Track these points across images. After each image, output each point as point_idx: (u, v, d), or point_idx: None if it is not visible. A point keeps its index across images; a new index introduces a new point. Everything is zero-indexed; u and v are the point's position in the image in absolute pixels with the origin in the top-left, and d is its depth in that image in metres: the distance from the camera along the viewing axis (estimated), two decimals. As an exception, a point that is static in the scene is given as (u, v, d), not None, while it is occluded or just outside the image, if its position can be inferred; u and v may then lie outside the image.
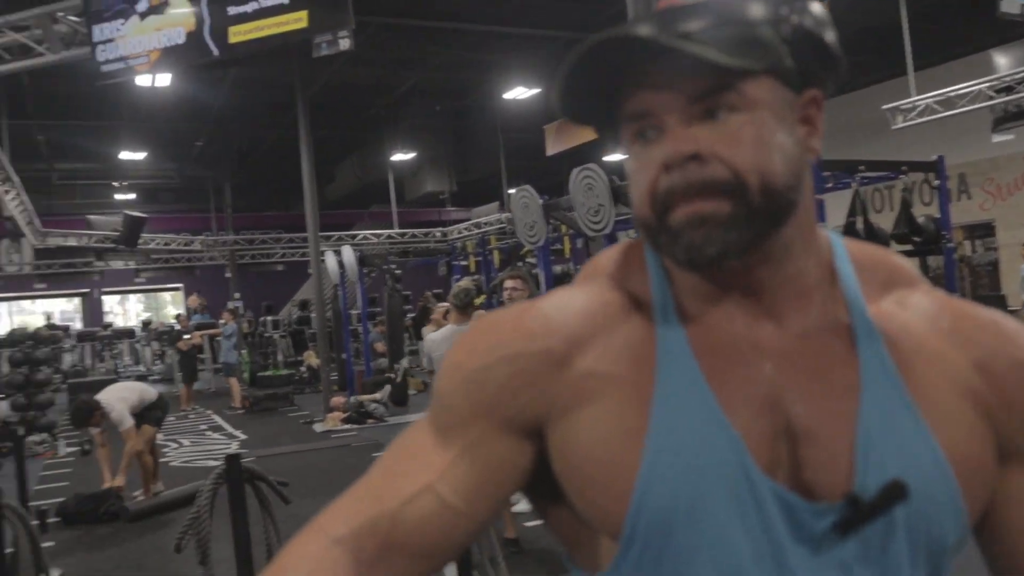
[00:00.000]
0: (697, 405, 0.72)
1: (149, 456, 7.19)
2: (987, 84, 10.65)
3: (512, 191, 9.70)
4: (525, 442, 0.77)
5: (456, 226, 19.21)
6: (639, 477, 0.71)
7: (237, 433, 11.16)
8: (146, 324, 22.34)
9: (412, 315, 16.82)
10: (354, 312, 15.13)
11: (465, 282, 5.56)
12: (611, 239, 7.05)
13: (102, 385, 7.83)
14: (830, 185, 7.67)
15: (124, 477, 6.98)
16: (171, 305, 26.72)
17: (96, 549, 6.02)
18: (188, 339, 14.50)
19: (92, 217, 19.47)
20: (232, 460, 3.39)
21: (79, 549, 6.02)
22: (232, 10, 7.94)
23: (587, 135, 14.86)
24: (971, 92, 10.66)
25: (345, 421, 11.01)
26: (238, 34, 7.96)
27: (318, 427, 11.08)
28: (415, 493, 0.77)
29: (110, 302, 26.12)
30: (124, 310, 26.92)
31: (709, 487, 0.70)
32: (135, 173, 22.03)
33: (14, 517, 3.87)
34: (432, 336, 5.43)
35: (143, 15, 8.20)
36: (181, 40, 8.15)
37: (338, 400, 11.69)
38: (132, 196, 23.50)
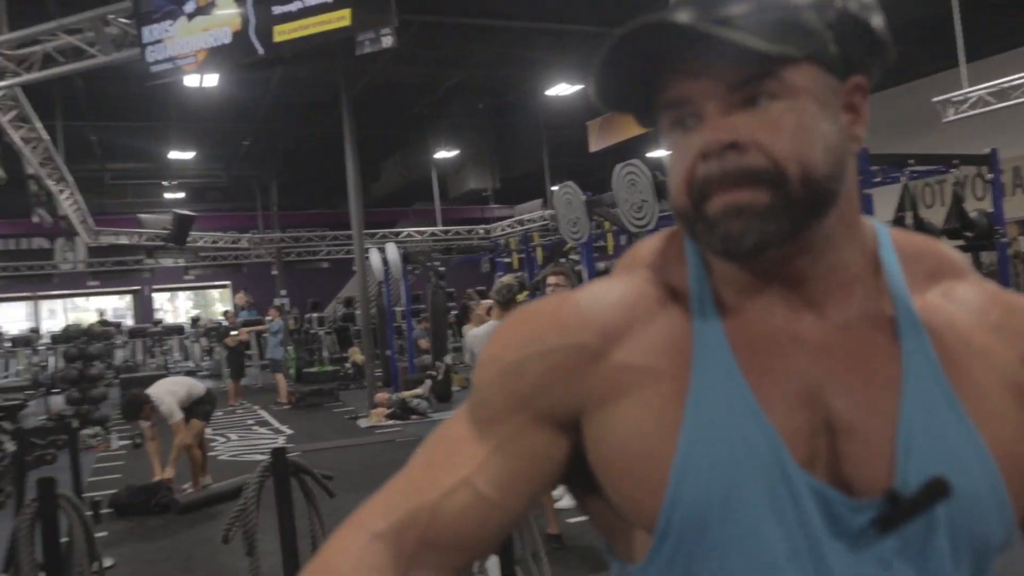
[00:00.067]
0: (732, 398, 0.71)
1: (198, 450, 7.32)
2: (1043, 75, 10.36)
3: (555, 188, 9.69)
4: (561, 435, 0.77)
5: (499, 223, 19.24)
6: (673, 470, 0.71)
7: (283, 428, 11.30)
8: (195, 321, 22.75)
9: (455, 312, 16.89)
10: (398, 309, 15.26)
11: (508, 278, 5.56)
12: (654, 235, 6.99)
13: (152, 380, 7.99)
14: (878, 179, 7.51)
15: (173, 470, 7.12)
16: (219, 302, 27.16)
17: (147, 540, 6.16)
18: (235, 335, 14.70)
19: (143, 216, 19.92)
20: (278, 454, 3.44)
21: (131, 539, 6.16)
22: (277, 9, 8.04)
23: (631, 131, 14.78)
24: (1026, 83, 10.38)
25: (389, 417, 11.10)
26: (282, 33, 8.06)
27: (362, 423, 11.18)
28: (453, 486, 0.77)
29: (160, 299, 26.64)
30: (174, 307, 27.43)
31: (743, 481, 0.69)
32: (184, 172, 22.42)
33: (69, 507, 3.97)
34: (475, 332, 5.46)
35: (191, 16, 8.34)
36: (227, 40, 8.28)
37: (382, 396, 11.78)
38: (181, 195, 23.92)
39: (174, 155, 19.53)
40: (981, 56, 12.72)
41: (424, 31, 11.85)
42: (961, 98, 10.79)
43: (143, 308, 25.40)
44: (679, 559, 0.72)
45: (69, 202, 14.33)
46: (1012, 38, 13.56)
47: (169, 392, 7.06)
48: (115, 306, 26.12)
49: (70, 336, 11.36)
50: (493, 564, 3.51)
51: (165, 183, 23.38)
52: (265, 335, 15.41)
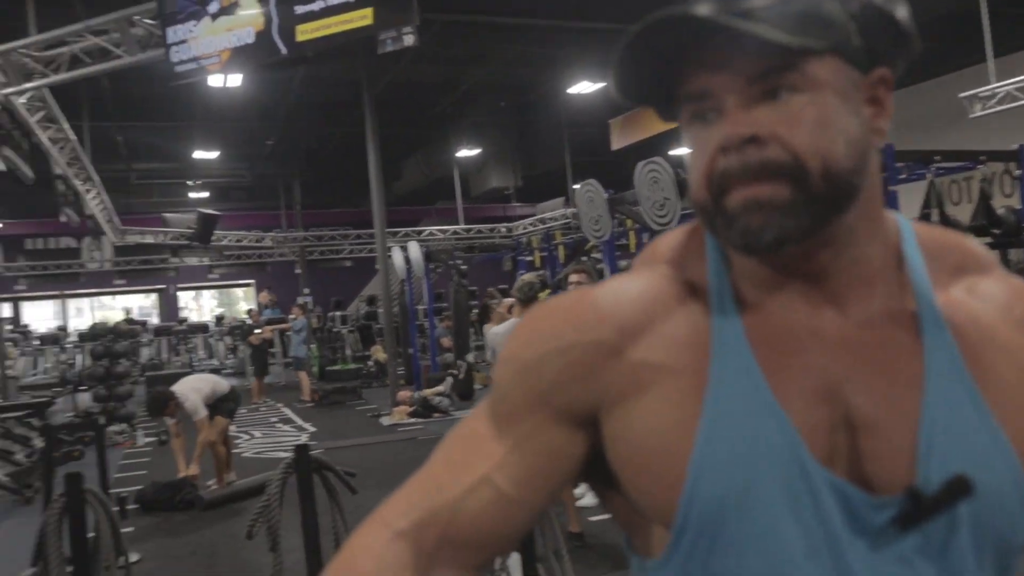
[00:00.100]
0: (750, 395, 0.71)
1: (222, 447, 7.38)
2: (1072, 69, 10.21)
3: (577, 186, 9.67)
4: (579, 432, 0.77)
5: (521, 221, 19.25)
6: (690, 467, 0.70)
7: (306, 426, 11.37)
8: (219, 319, 22.94)
9: (477, 310, 16.91)
10: (420, 307, 15.28)
11: (529, 276, 5.57)
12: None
13: (177, 378, 8.07)
14: (904, 176, 7.44)
15: (197, 466, 7.18)
16: (243, 301, 27.36)
17: (173, 535, 6.22)
18: (259, 334, 14.80)
19: (168, 215, 20.13)
20: (301, 450, 3.46)
21: (157, 535, 6.23)
22: (299, 9, 8.09)
23: (653, 128, 14.71)
24: (1055, 78, 10.23)
25: (411, 415, 11.14)
26: (305, 32, 8.10)
27: (385, 420, 11.23)
28: (473, 483, 0.77)
29: (185, 298, 26.88)
30: (198, 305, 27.67)
31: (761, 477, 0.69)
32: (208, 172, 22.61)
33: (96, 502, 4.01)
34: (496, 330, 5.46)
35: (214, 16, 8.41)
36: (251, 40, 8.33)
37: (404, 394, 11.82)
38: (205, 194, 24.12)
39: (198, 155, 19.70)
40: (1009, 51, 12.53)
41: (446, 29, 11.86)
42: (989, 93, 10.66)
43: (168, 306, 25.64)
44: (696, 555, 0.72)
45: (96, 202, 14.49)
46: (1041, 33, 13.36)
47: (194, 389, 7.12)
48: (141, 304, 26.40)
49: (97, 334, 11.48)
50: (515, 562, 3.51)
51: (190, 183, 23.60)
52: (288, 333, 15.50)
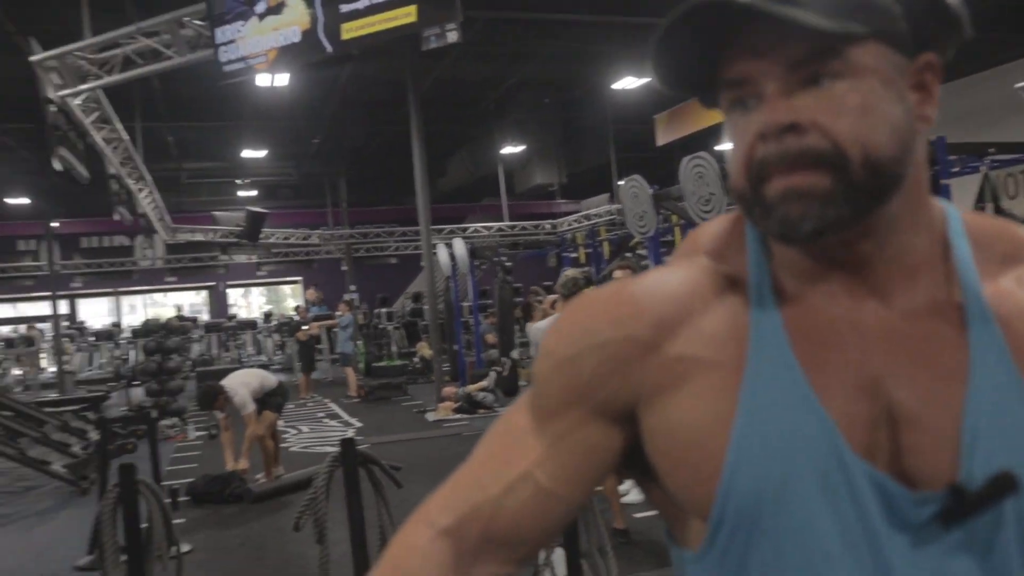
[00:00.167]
0: (788, 389, 0.70)
1: (271, 441, 7.49)
2: None
3: (622, 182, 9.62)
4: (617, 426, 0.77)
5: (566, 218, 19.18)
6: (727, 461, 0.70)
7: (353, 421, 11.48)
8: (267, 316, 23.30)
9: (521, 307, 16.93)
10: (465, 304, 15.36)
11: (572, 272, 5.55)
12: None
13: (227, 373, 8.20)
14: (957, 169, 7.28)
15: (246, 460, 7.30)
16: (291, 298, 27.74)
17: (222, 527, 6.33)
18: (307, 330, 14.96)
19: (217, 213, 20.45)
20: (347, 444, 3.50)
21: (207, 526, 6.34)
22: (344, 7, 8.16)
23: (698, 124, 14.57)
24: (1117, 67, 9.92)
25: (456, 411, 11.19)
26: (350, 30, 8.18)
27: (430, 416, 11.30)
28: (514, 479, 0.78)
29: (234, 295, 27.34)
30: (247, 302, 28.13)
31: (797, 471, 0.68)
32: (256, 171, 22.96)
33: (149, 494, 4.10)
34: (538, 325, 5.47)
35: (261, 16, 8.52)
36: (297, 39, 8.44)
37: (450, 390, 11.88)
38: (254, 193, 24.49)
39: (247, 154, 20.00)
40: (1068, 40, 12.19)
41: (489, 26, 11.88)
42: (1046, 84, 10.36)
43: (218, 303, 26.10)
44: (734, 548, 0.71)
45: (148, 200, 14.79)
46: (1102, 20, 12.95)
47: (243, 384, 7.24)
48: (191, 301, 26.93)
49: (149, 330, 11.70)
50: (559, 557, 3.52)
51: (238, 181, 24.00)
52: (335, 330, 15.63)
